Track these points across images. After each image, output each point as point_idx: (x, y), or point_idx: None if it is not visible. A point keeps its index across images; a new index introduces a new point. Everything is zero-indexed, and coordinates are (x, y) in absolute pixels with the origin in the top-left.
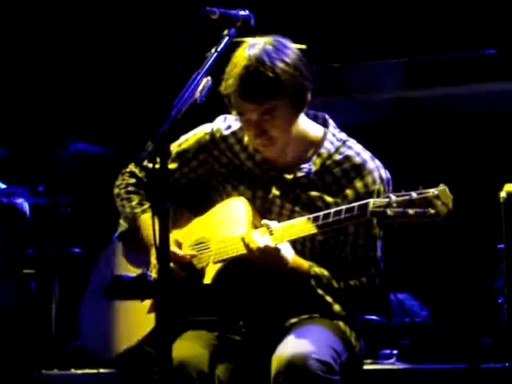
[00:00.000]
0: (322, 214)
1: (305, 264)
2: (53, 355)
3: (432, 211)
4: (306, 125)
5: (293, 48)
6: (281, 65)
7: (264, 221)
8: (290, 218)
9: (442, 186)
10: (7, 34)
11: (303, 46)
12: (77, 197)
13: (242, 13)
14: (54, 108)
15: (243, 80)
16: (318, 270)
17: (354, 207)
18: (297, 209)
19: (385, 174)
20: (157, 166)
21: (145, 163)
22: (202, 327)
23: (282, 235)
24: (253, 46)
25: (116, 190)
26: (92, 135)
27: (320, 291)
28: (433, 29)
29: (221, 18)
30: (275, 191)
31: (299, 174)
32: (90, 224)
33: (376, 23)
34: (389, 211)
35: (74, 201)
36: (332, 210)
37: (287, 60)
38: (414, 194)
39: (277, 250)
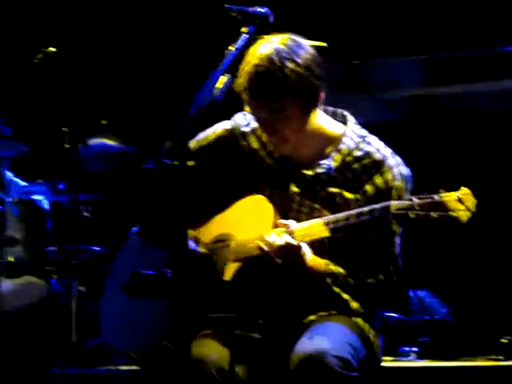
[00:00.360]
0: (342, 214)
1: (321, 262)
2: (73, 352)
3: (455, 215)
4: (323, 121)
5: (307, 47)
6: (291, 65)
7: (282, 220)
8: (309, 215)
9: (465, 190)
10: (26, 29)
11: (323, 44)
12: (97, 194)
13: (260, 10)
14: (75, 105)
15: (252, 79)
16: (334, 268)
17: (375, 209)
18: (316, 206)
19: (405, 170)
20: (176, 163)
21: (164, 160)
22: (222, 325)
23: (303, 235)
24: (265, 45)
25: (136, 188)
26: (113, 132)
27: (336, 289)
28: (451, 26)
29: (239, 15)
30: (294, 188)
31: (319, 171)
32: (111, 222)
33: (395, 20)
34: (411, 214)
35: (95, 198)
36: (353, 212)
37: (298, 60)
38: (436, 197)
39: (297, 249)
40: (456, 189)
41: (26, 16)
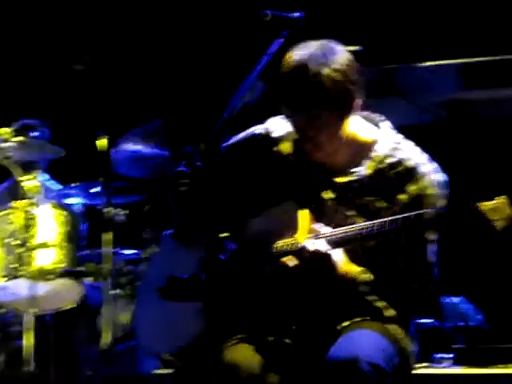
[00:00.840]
0: (377, 222)
1: (355, 270)
2: (106, 355)
3: (490, 223)
4: (358, 127)
5: (342, 52)
6: (326, 71)
7: (316, 225)
8: (342, 222)
9: (501, 199)
10: (65, 35)
11: (358, 48)
12: (132, 198)
13: (295, 15)
14: (110, 109)
15: (287, 87)
16: (367, 276)
17: (410, 217)
18: (350, 213)
19: (441, 177)
20: (208, 166)
21: (196, 164)
22: (254, 330)
23: (335, 241)
24: (300, 51)
25: (170, 191)
26: (147, 137)
27: (371, 297)
28: (487, 30)
29: (274, 20)
30: (328, 195)
31: (352, 178)
32: (145, 225)
33: (432, 24)
34: (446, 222)
35: (130, 202)
36: (388, 219)
37: (333, 66)
38: (472, 205)
39: (328, 256)
40: (492, 196)
41: (64, 22)
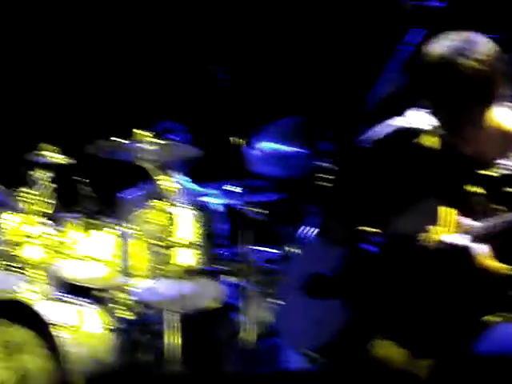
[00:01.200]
0: None
1: (498, 265)
2: (249, 353)
3: None
4: (505, 118)
5: (484, 43)
6: (467, 62)
7: (462, 220)
8: (489, 216)
9: None
10: (196, 34)
11: (499, 36)
12: (271, 196)
13: (436, 4)
14: (245, 108)
15: (428, 79)
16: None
17: None
18: (497, 207)
19: None
20: (349, 162)
21: (337, 159)
22: (399, 324)
23: (480, 236)
24: (440, 43)
25: (311, 188)
26: (284, 135)
27: None
28: None
29: (413, 9)
30: (475, 189)
31: (500, 171)
32: (285, 223)
33: None
34: None
35: (269, 200)
36: None
37: (475, 56)
38: None
39: (467, 250)
40: None
41: (197, 23)
